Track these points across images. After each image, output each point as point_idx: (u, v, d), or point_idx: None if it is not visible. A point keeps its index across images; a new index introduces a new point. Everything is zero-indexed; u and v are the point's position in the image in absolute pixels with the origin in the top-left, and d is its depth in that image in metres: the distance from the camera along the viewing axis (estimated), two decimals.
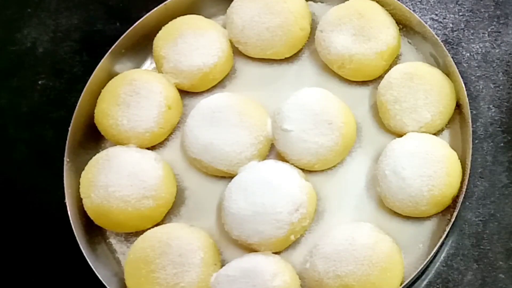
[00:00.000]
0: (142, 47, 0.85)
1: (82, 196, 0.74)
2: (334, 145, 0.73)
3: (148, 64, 0.86)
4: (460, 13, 0.83)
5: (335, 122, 0.73)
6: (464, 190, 0.69)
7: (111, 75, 0.81)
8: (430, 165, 0.69)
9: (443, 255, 0.72)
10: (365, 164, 0.76)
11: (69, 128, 0.78)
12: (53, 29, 0.92)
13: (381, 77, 0.77)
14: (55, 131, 0.84)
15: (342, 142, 0.73)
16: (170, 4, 0.84)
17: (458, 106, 0.76)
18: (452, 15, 0.83)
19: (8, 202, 0.83)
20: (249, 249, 0.72)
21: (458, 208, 0.69)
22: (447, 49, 0.76)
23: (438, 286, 0.71)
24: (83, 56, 0.90)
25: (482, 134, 0.77)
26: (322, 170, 0.76)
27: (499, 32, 0.82)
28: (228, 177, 0.75)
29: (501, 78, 0.79)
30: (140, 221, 0.74)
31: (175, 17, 0.83)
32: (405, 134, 0.73)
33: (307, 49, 0.83)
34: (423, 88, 0.74)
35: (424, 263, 0.68)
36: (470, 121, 0.72)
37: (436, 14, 0.84)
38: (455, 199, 0.70)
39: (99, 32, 0.91)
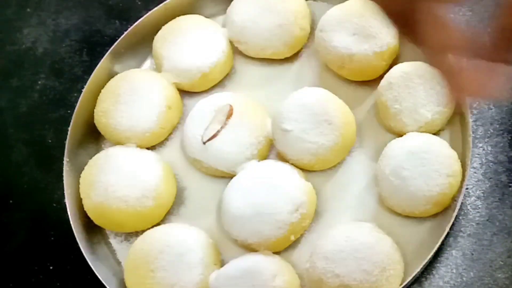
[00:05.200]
0: (142, 47, 0.85)
1: (82, 196, 0.74)
2: (334, 145, 0.73)
3: (148, 64, 0.86)
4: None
5: (335, 122, 0.73)
6: (464, 190, 0.69)
7: (111, 75, 0.81)
8: (430, 165, 0.69)
9: (443, 255, 0.72)
10: (365, 164, 0.76)
11: (69, 128, 0.78)
12: (53, 29, 0.92)
13: (381, 77, 0.77)
14: (55, 131, 0.84)
15: (342, 142, 0.73)
16: (169, 4, 0.84)
17: (458, 106, 0.76)
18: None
19: (8, 202, 0.83)
20: (249, 249, 0.72)
21: (458, 208, 0.69)
22: None
23: (438, 286, 0.71)
24: (83, 56, 0.90)
25: (482, 134, 0.77)
26: (322, 170, 0.76)
27: None
28: (228, 177, 0.75)
29: None
30: (140, 221, 0.74)
31: (175, 17, 0.83)
32: (405, 134, 0.73)
33: (307, 49, 0.83)
34: (423, 88, 0.73)
35: (424, 263, 0.68)
36: (470, 121, 0.72)
37: None
38: (455, 199, 0.70)
39: (99, 32, 0.91)
